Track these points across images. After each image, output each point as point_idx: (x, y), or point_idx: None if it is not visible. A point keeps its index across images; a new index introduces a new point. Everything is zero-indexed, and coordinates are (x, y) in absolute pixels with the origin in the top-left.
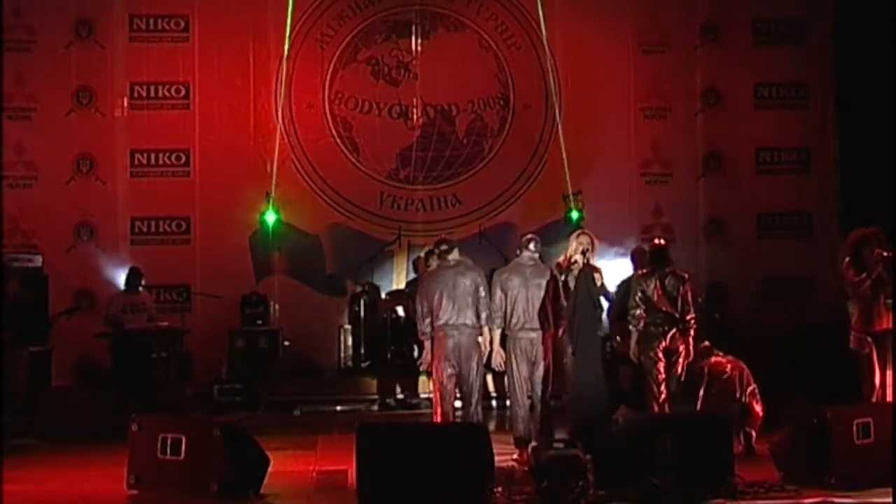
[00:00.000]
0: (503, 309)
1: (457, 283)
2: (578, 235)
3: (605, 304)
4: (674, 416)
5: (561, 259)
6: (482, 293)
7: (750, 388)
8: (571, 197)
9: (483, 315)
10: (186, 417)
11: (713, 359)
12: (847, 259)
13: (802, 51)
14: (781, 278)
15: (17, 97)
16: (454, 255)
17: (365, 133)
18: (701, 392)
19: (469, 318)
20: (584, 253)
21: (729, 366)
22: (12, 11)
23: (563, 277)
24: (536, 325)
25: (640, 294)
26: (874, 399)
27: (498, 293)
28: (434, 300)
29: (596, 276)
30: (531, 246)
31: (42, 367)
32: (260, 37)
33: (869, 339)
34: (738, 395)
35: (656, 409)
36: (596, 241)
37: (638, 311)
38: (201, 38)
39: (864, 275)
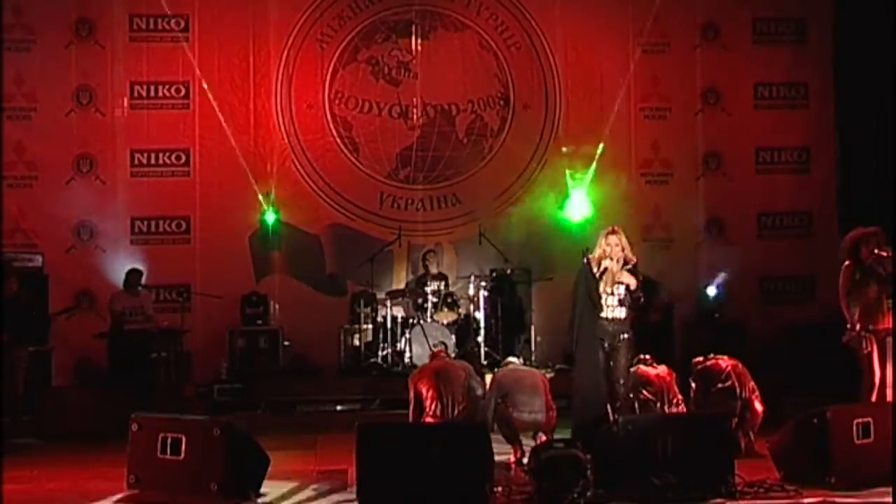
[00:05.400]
0: None
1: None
2: (607, 235)
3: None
4: (674, 416)
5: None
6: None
7: (750, 387)
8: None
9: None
10: (186, 417)
11: (710, 361)
12: (847, 263)
13: (802, 51)
14: (781, 278)
15: (17, 97)
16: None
17: (365, 133)
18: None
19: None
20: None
21: (728, 365)
22: (12, 11)
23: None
24: None
25: None
26: (873, 398)
27: None
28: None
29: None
30: None
31: (42, 367)
32: (260, 37)
33: (870, 337)
34: (739, 393)
35: None
36: (625, 241)
37: None
38: (201, 38)
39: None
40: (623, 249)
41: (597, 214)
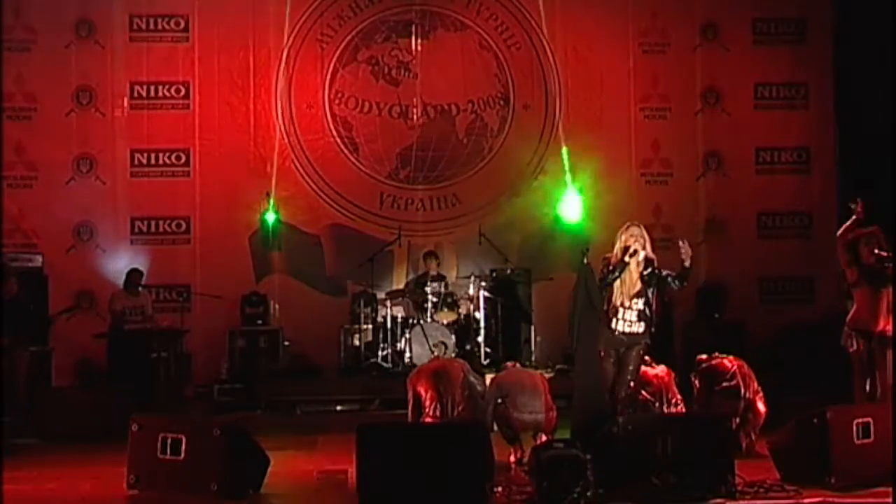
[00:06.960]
0: None
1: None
2: (629, 227)
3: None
4: (674, 416)
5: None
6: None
7: (754, 387)
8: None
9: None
10: (186, 417)
11: (715, 360)
12: (846, 256)
13: (802, 51)
14: (781, 278)
15: (17, 97)
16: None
17: (365, 133)
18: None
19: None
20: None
21: (734, 365)
22: (12, 11)
23: (616, 274)
24: None
25: None
26: (865, 399)
27: None
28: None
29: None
30: None
31: (42, 367)
32: (260, 37)
33: (863, 337)
34: (743, 393)
35: None
36: (647, 234)
37: None
38: (201, 37)
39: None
40: (646, 243)
41: (596, 214)
